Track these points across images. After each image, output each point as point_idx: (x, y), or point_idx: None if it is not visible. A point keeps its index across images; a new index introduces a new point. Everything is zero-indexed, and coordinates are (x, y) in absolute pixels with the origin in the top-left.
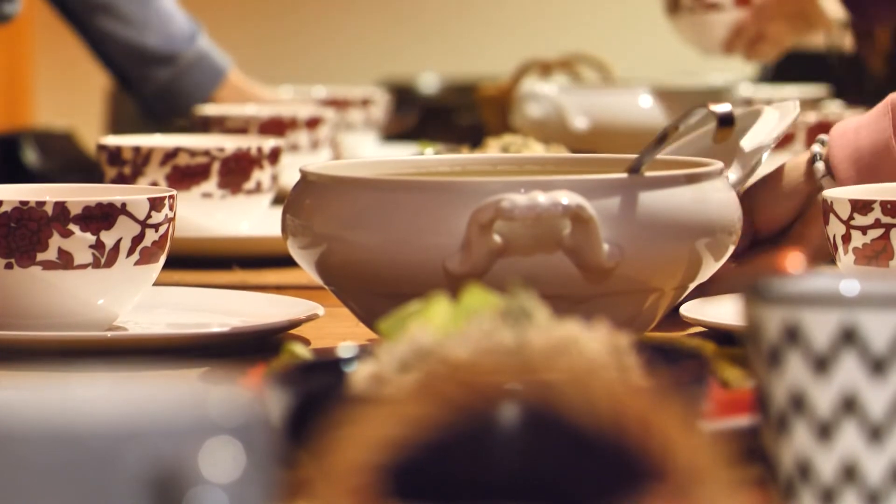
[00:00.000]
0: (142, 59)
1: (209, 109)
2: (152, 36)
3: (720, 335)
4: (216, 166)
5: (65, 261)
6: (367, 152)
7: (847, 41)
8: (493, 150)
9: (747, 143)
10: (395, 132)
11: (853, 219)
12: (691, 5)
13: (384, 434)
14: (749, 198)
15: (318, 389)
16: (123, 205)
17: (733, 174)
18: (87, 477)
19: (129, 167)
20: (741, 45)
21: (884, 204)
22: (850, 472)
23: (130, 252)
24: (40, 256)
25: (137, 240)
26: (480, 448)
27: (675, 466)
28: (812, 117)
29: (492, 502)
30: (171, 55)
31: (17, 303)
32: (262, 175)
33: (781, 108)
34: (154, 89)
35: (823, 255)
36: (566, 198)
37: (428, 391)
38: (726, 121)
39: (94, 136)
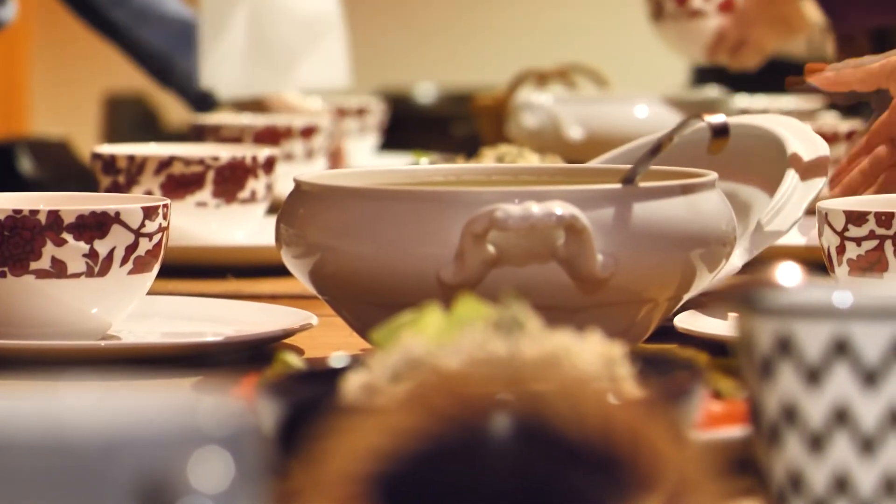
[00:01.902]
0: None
1: (204, 118)
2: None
3: (713, 346)
4: (211, 175)
5: (58, 269)
6: (362, 161)
7: (829, 46)
8: (488, 159)
9: (769, 218)
10: None
11: (847, 230)
12: (675, 12)
13: (374, 444)
14: None
15: (310, 399)
16: (117, 214)
17: (740, 250)
18: (77, 486)
19: (123, 176)
20: (724, 51)
21: (878, 215)
22: (842, 484)
23: (124, 261)
24: (34, 265)
25: (131, 249)
26: (470, 459)
27: (664, 477)
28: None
29: None
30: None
31: (10, 311)
32: (256, 184)
33: (797, 135)
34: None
35: None
36: (560, 208)
37: (419, 402)
38: (721, 131)
39: (89, 144)
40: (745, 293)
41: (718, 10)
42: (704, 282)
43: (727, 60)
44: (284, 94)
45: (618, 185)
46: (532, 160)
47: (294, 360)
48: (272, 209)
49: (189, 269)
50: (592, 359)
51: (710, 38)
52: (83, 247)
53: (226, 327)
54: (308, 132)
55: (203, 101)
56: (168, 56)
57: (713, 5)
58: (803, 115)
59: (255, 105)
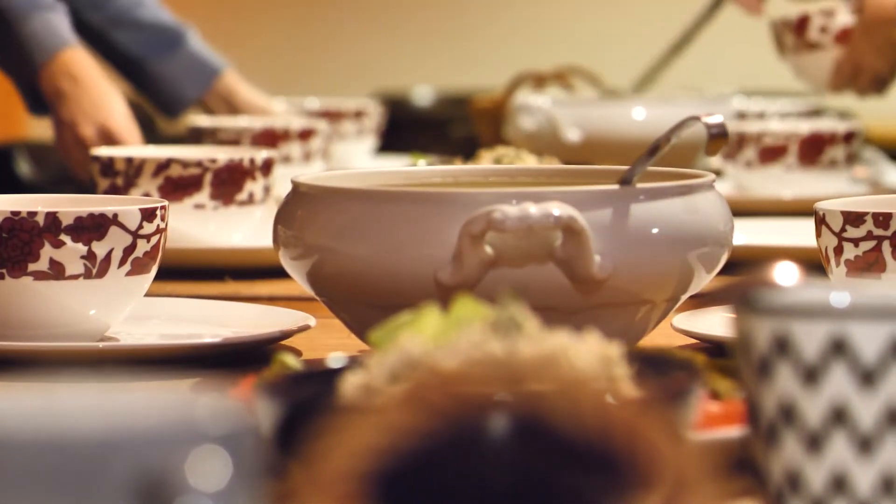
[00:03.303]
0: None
1: (202, 121)
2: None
3: (711, 346)
4: (208, 177)
5: (56, 271)
6: (360, 163)
7: None
8: (486, 162)
9: None
10: None
11: (845, 231)
12: (794, 45)
13: (371, 443)
14: None
15: (308, 399)
16: (115, 215)
17: None
18: (75, 485)
19: (121, 178)
20: (844, 82)
21: (876, 216)
22: (839, 484)
23: (122, 263)
24: (32, 267)
25: (129, 250)
26: (468, 458)
27: (662, 477)
28: (805, 129)
29: None
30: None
31: (8, 313)
32: (254, 186)
33: None
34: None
35: None
36: (558, 209)
37: (416, 400)
38: (719, 133)
39: None
40: (743, 293)
41: (835, 42)
42: (702, 282)
43: (852, 91)
44: (251, 96)
45: (615, 186)
46: (530, 162)
47: (292, 362)
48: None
49: (187, 271)
50: (590, 359)
51: (830, 70)
52: (81, 248)
53: (224, 329)
54: (306, 134)
55: (173, 106)
56: (141, 61)
57: (830, 37)
58: (802, 116)
59: (224, 106)
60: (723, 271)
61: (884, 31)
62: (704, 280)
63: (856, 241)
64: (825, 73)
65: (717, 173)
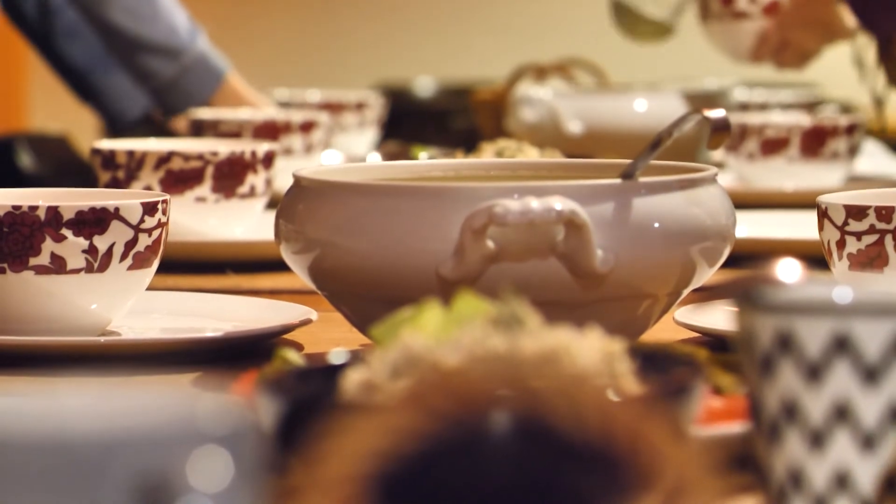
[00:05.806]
0: (148, 52)
1: (203, 113)
2: (160, 29)
3: (714, 341)
4: (210, 170)
5: (58, 265)
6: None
7: (871, 50)
8: (487, 154)
9: None
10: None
11: (848, 224)
12: (720, 13)
13: (373, 444)
14: None
15: (310, 397)
16: (116, 209)
17: None
18: (75, 485)
19: (122, 171)
20: (767, 53)
21: (878, 209)
22: (842, 481)
23: (123, 257)
24: (33, 261)
25: (130, 244)
26: (469, 457)
27: (664, 474)
28: (807, 121)
29: None
30: (176, 49)
31: (9, 308)
32: (255, 179)
33: None
34: (158, 85)
35: None
36: (560, 203)
37: (417, 401)
38: (721, 126)
39: (88, 139)
40: (746, 289)
41: (763, 13)
42: (704, 276)
43: (771, 63)
44: (239, 88)
45: (617, 181)
46: (531, 155)
47: (293, 357)
48: (271, 204)
49: (188, 265)
50: (592, 355)
51: (754, 40)
52: (82, 243)
53: (225, 323)
54: (307, 127)
55: (118, 120)
56: (87, 72)
57: (758, 7)
58: (803, 109)
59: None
60: (725, 264)
61: (816, 10)
62: (707, 274)
63: (858, 235)
64: (748, 43)
65: (719, 166)
